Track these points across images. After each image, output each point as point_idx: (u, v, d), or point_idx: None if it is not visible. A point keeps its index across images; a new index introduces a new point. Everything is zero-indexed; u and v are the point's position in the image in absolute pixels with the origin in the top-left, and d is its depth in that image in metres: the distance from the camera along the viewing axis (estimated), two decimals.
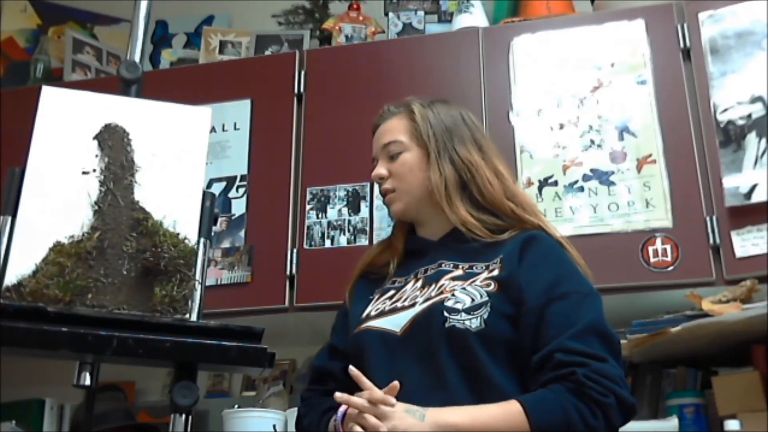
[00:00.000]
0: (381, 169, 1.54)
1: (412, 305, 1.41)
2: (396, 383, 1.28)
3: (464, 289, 1.37)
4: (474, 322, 1.33)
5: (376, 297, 1.51)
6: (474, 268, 1.42)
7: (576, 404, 1.24)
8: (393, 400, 1.26)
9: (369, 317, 1.47)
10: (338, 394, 1.30)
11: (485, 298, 1.35)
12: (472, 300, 1.35)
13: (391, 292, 1.49)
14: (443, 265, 1.45)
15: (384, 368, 1.37)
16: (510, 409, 1.26)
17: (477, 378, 1.32)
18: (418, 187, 1.50)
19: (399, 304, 1.44)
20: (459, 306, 1.35)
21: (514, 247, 1.41)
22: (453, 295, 1.37)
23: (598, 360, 1.28)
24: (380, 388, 1.30)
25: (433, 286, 1.41)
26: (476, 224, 1.44)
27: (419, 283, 1.45)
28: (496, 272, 1.39)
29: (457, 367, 1.32)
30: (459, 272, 1.42)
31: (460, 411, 1.27)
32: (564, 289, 1.36)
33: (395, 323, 1.41)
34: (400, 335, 1.39)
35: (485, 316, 1.33)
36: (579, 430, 1.23)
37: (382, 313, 1.45)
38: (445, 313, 1.35)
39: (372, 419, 1.24)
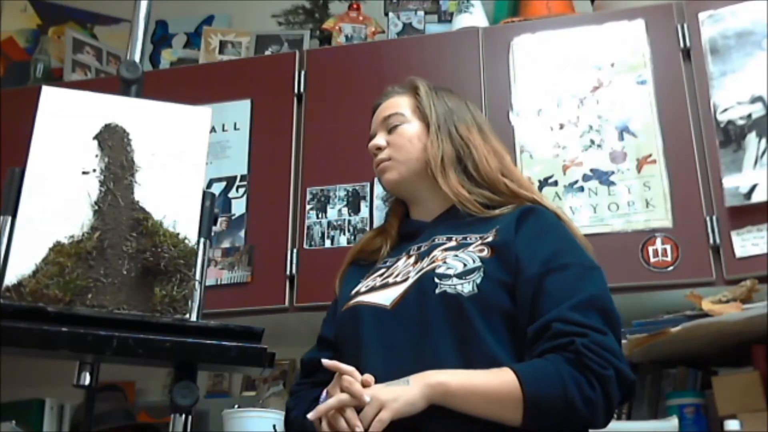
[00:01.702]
0: (379, 140, 1.52)
1: (405, 280, 1.37)
2: (368, 377, 1.23)
3: (456, 255, 1.33)
4: (466, 287, 1.28)
5: (366, 276, 1.48)
6: (468, 239, 1.37)
7: (574, 375, 1.18)
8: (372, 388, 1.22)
9: (358, 293, 1.43)
10: (326, 361, 1.28)
11: (478, 264, 1.30)
12: (464, 265, 1.31)
13: (382, 270, 1.46)
14: (436, 239, 1.41)
15: (375, 343, 1.33)
16: (502, 376, 1.20)
17: (471, 348, 1.25)
18: (415, 158, 1.48)
19: (390, 280, 1.40)
20: (450, 272, 1.30)
21: (511, 219, 1.37)
22: (445, 262, 1.33)
23: (597, 332, 1.22)
24: (372, 363, 1.28)
25: (426, 259, 1.37)
26: (468, 198, 1.41)
27: (412, 260, 1.41)
28: (490, 239, 1.35)
29: (449, 336, 1.27)
30: (452, 243, 1.38)
31: (448, 371, 1.22)
32: (564, 261, 1.30)
33: (385, 297, 1.37)
34: (390, 309, 1.34)
35: (478, 281, 1.28)
36: (576, 402, 1.17)
37: (372, 289, 1.41)
38: (436, 280, 1.30)
39: (349, 413, 1.20)
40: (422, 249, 1.42)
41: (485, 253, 1.32)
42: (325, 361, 1.30)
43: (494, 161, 1.46)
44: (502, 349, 1.25)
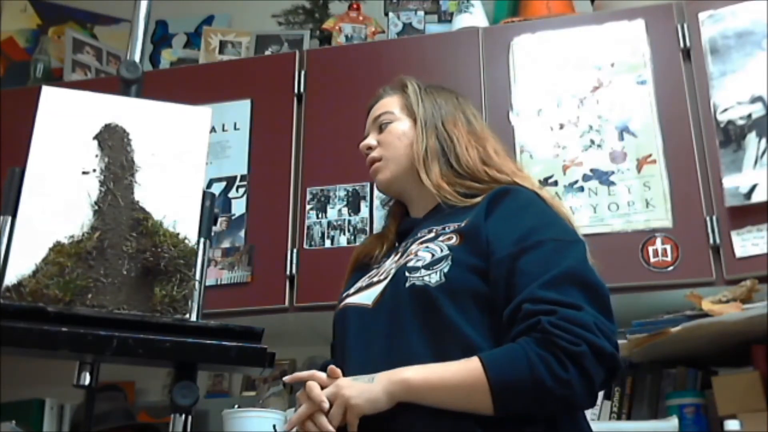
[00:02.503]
0: (370, 140, 1.53)
1: (386, 277, 1.37)
2: (333, 367, 1.25)
3: (427, 247, 1.32)
4: (433, 277, 1.26)
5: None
6: (446, 228, 1.36)
7: (541, 355, 1.13)
8: (335, 383, 1.23)
9: (348, 295, 1.44)
10: (286, 378, 1.31)
11: (446, 252, 1.28)
12: (432, 255, 1.29)
13: (373, 270, 1.46)
14: (419, 234, 1.41)
15: (356, 342, 1.34)
16: (468, 365, 1.17)
17: (444, 338, 1.23)
18: (405, 155, 1.48)
19: (375, 279, 1.40)
20: (419, 264, 1.29)
21: (483, 203, 1.35)
22: (416, 255, 1.32)
23: (569, 308, 1.16)
24: (352, 363, 1.29)
25: (405, 253, 1.38)
26: (448, 189, 1.40)
27: (397, 257, 1.42)
28: (461, 225, 1.33)
29: (420, 328, 1.25)
30: (431, 235, 1.37)
31: (413, 367, 1.20)
32: (539, 237, 1.25)
33: (368, 296, 1.37)
34: (371, 307, 1.35)
35: (446, 270, 1.25)
36: (547, 383, 1.13)
37: (359, 290, 1.42)
38: (407, 273, 1.29)
39: (318, 419, 1.21)
40: (408, 245, 1.42)
41: (453, 240, 1.30)
42: (285, 378, 1.32)
43: (475, 151, 1.45)
44: (479, 336, 1.23)
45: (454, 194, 1.40)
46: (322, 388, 1.23)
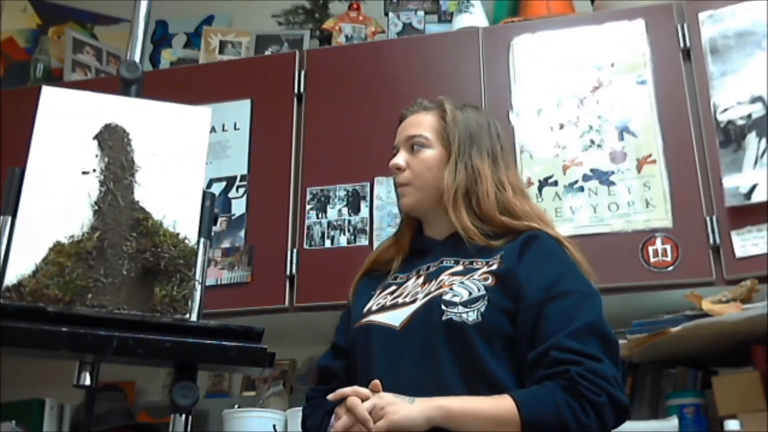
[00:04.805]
0: (399, 160, 1.56)
1: (413, 301, 1.43)
2: (377, 382, 1.31)
3: (462, 283, 1.39)
4: (471, 315, 1.34)
5: (378, 292, 1.53)
6: (474, 264, 1.43)
7: (568, 402, 1.25)
8: (378, 395, 1.29)
9: (370, 312, 1.48)
10: (330, 396, 1.34)
11: (482, 292, 1.37)
12: (470, 293, 1.37)
13: (393, 287, 1.51)
14: (444, 262, 1.47)
15: (382, 363, 1.39)
16: (502, 403, 1.27)
17: (474, 372, 1.33)
18: (433, 186, 1.52)
19: (400, 300, 1.46)
20: (456, 299, 1.37)
21: (515, 246, 1.43)
22: (451, 289, 1.39)
23: (593, 359, 1.28)
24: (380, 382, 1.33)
25: (434, 282, 1.43)
26: (475, 231, 1.47)
27: (420, 280, 1.47)
28: (494, 267, 1.41)
29: (454, 360, 1.34)
30: (459, 268, 1.44)
31: (451, 397, 1.29)
32: (564, 288, 1.37)
33: (395, 318, 1.43)
34: (399, 330, 1.41)
35: (482, 310, 1.35)
36: (571, 427, 1.24)
37: (382, 308, 1.47)
38: (443, 307, 1.37)
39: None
40: (431, 269, 1.48)
41: (489, 281, 1.39)
42: (330, 396, 1.36)
43: (494, 197, 1.50)
44: (504, 372, 1.33)
45: (478, 234, 1.47)
46: (363, 401, 1.29)
